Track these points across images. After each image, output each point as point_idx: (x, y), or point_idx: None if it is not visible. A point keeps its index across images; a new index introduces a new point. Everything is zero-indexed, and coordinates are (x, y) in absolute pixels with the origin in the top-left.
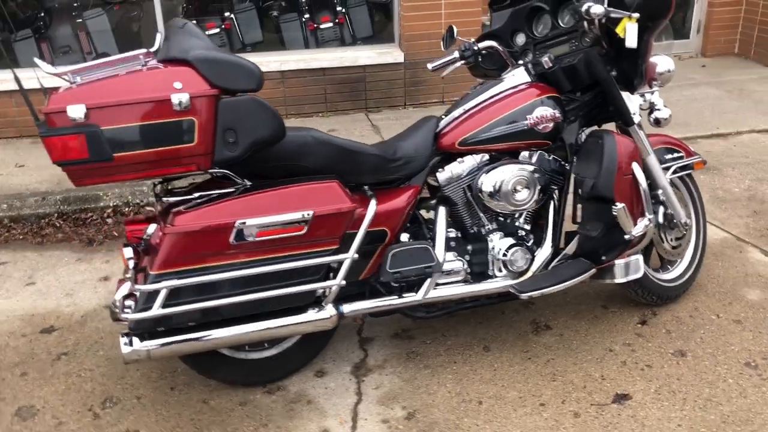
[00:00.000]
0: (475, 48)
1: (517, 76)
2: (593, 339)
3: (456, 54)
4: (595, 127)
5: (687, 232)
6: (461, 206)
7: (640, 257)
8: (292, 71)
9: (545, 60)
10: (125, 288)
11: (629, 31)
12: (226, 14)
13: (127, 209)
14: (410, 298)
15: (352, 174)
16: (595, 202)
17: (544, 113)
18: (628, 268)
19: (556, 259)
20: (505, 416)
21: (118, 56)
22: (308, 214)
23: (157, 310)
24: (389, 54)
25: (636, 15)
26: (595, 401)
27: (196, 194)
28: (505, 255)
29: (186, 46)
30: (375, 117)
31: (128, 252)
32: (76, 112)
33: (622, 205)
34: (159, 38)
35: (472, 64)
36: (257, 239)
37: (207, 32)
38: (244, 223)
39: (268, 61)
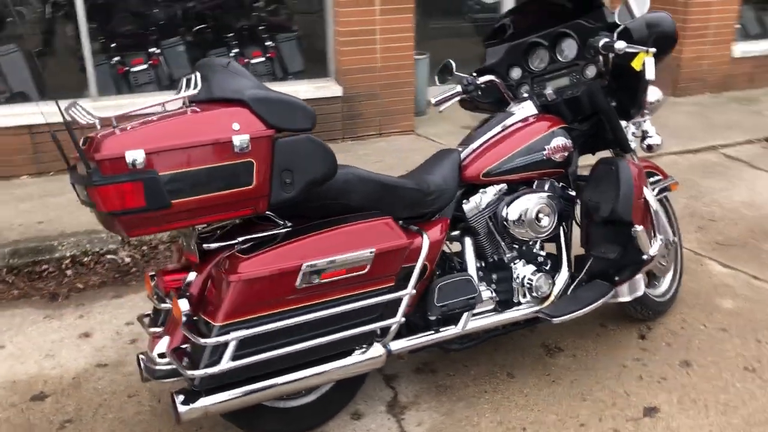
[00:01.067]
0: (478, 82)
1: (525, 109)
2: (604, 357)
3: (459, 88)
4: (607, 154)
5: (671, 249)
6: (483, 236)
7: (641, 276)
8: None
9: (549, 93)
10: (163, 343)
11: (648, 65)
12: (153, 50)
13: (86, 258)
14: (450, 331)
15: (392, 209)
16: (611, 225)
17: (560, 143)
18: (633, 286)
19: (574, 283)
20: None
21: (160, 100)
22: (371, 252)
23: (226, 363)
24: (327, 88)
25: (653, 50)
26: (629, 416)
27: (240, 239)
28: (530, 281)
29: (237, 86)
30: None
31: (184, 304)
32: (136, 157)
33: (641, 227)
34: (194, 78)
35: (469, 98)
36: (322, 281)
37: (130, 69)
38: (313, 265)
39: None
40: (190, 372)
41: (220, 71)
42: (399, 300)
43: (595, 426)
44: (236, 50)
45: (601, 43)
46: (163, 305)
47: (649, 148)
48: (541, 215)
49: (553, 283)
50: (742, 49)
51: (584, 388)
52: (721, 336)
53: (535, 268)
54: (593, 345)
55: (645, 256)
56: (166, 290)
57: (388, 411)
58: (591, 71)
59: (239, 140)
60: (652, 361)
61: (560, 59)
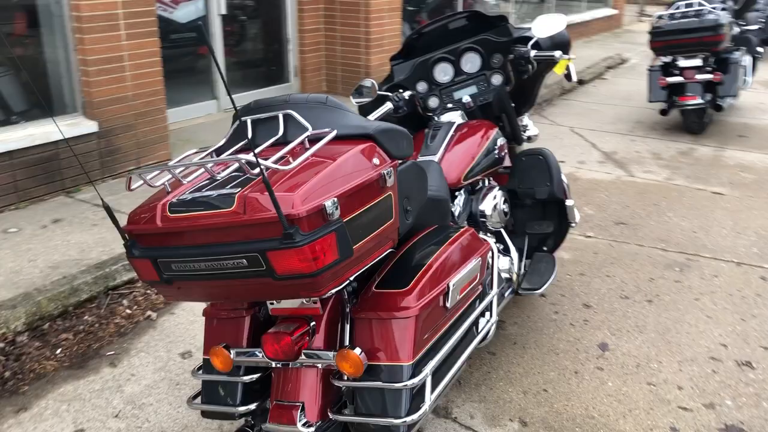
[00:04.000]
0: (405, 98)
1: (457, 117)
2: (536, 318)
3: (390, 105)
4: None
5: None
6: None
7: None
8: None
9: (467, 101)
10: (310, 411)
11: (572, 69)
12: None
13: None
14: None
15: (442, 219)
16: (542, 205)
17: (502, 142)
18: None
19: (523, 260)
20: (570, 391)
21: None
22: (478, 261)
23: (430, 400)
24: (80, 125)
25: (573, 56)
26: (594, 354)
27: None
28: (504, 265)
29: (358, 121)
30: (82, 197)
31: (364, 356)
32: (331, 207)
33: (572, 201)
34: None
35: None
36: (459, 296)
37: None
38: (454, 282)
39: None
40: (398, 420)
41: (322, 108)
42: (491, 300)
43: (581, 366)
44: None
45: (532, 53)
46: (245, 376)
47: (530, 138)
48: (505, 205)
49: (513, 263)
50: None
51: (549, 345)
52: (585, 279)
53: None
54: (518, 311)
55: (573, 223)
56: (289, 353)
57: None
58: (497, 79)
59: (386, 174)
60: (567, 312)
61: (465, 71)
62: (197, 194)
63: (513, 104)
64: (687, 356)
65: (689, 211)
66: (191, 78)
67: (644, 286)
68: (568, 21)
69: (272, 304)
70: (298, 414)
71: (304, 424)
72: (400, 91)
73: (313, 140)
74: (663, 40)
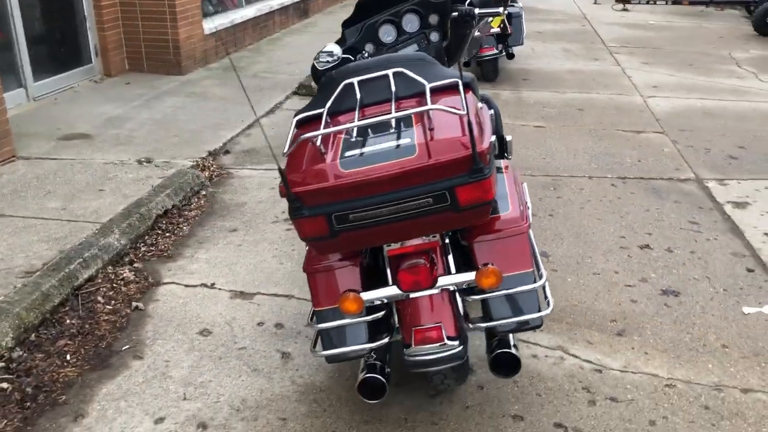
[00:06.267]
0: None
1: None
2: None
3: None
4: None
5: None
6: None
7: None
8: None
9: None
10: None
11: (506, 22)
12: None
13: (32, 337)
14: None
15: None
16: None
17: None
18: None
19: None
20: None
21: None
22: (524, 183)
23: (551, 298)
24: None
25: (506, 11)
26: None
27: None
28: None
29: (450, 73)
30: None
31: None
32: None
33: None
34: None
35: None
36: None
37: None
38: (528, 201)
39: None
40: (538, 315)
41: (422, 64)
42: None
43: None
44: None
45: (477, 11)
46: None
47: None
48: None
49: None
50: (208, 25)
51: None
52: None
53: None
54: None
55: (509, 156)
56: (428, 282)
57: None
58: (434, 37)
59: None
60: None
61: (407, 31)
62: (366, 149)
63: (447, 58)
64: (604, 249)
65: (529, 142)
66: None
67: (539, 205)
68: None
69: (389, 246)
70: (442, 332)
71: (450, 338)
72: (364, 53)
73: (434, 91)
74: None
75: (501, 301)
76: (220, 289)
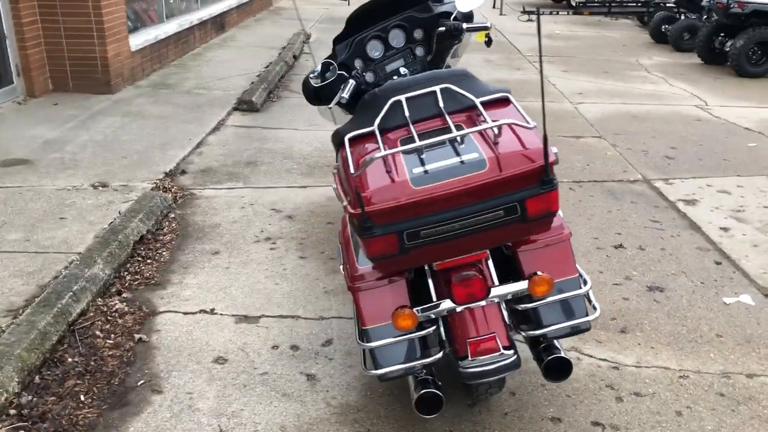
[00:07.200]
0: (363, 74)
1: None
2: None
3: (353, 82)
4: None
5: None
6: None
7: None
8: None
9: (404, 72)
10: (498, 340)
11: (491, 36)
12: None
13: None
14: None
15: None
16: None
17: None
18: None
19: None
20: None
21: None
22: None
23: (596, 302)
24: None
25: (490, 26)
26: None
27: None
28: None
29: (491, 86)
30: None
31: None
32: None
33: None
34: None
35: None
36: None
37: None
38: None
39: None
40: (586, 318)
41: (466, 78)
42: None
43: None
44: None
45: (464, 26)
46: (420, 331)
47: None
48: None
49: None
50: (134, 42)
51: None
52: None
53: None
54: None
55: None
56: (482, 293)
57: None
58: (420, 51)
59: None
60: None
61: (394, 46)
62: (430, 166)
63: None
64: (583, 251)
65: None
66: None
67: None
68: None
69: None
70: (497, 342)
71: (505, 347)
72: (357, 69)
73: (485, 104)
74: None
75: (552, 308)
76: (221, 314)
